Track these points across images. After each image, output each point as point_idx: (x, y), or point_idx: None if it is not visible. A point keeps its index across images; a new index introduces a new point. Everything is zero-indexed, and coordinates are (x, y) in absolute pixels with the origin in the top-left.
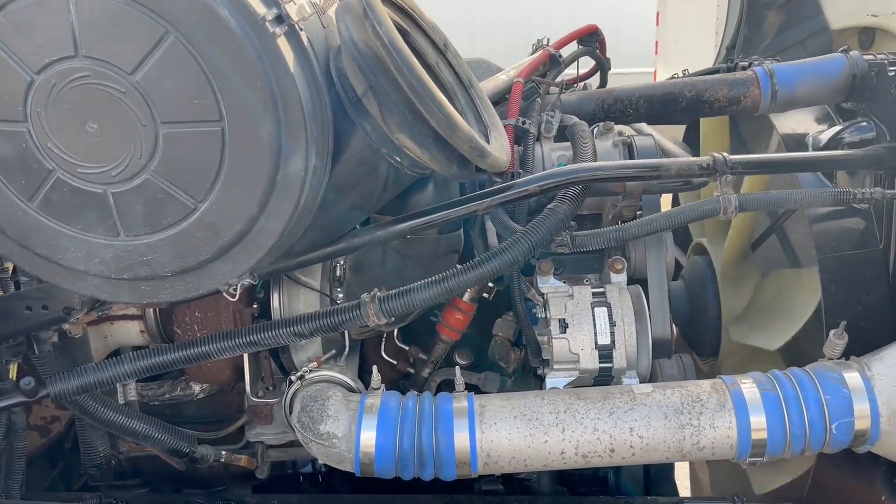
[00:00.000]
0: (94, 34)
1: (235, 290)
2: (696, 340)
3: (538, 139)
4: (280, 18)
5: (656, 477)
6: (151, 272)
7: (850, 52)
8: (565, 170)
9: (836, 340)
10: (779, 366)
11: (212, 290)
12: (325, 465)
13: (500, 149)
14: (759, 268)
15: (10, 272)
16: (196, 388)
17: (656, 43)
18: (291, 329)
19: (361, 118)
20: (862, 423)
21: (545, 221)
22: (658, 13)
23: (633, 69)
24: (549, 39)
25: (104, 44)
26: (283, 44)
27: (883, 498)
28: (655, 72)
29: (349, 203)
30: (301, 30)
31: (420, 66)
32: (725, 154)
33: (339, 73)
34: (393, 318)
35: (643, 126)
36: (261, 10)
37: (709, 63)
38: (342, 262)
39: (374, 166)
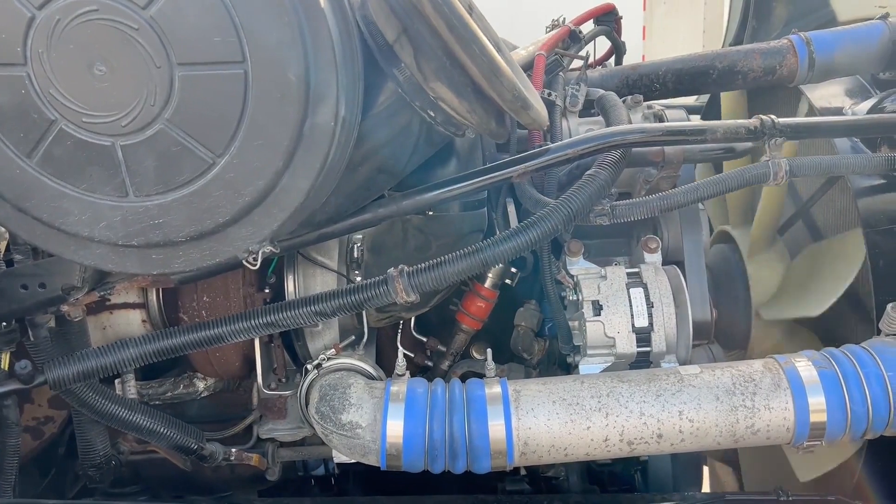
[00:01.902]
0: None
1: (256, 258)
2: (723, 331)
3: (563, 114)
4: None
5: (684, 475)
6: (164, 237)
7: (890, 19)
8: (606, 132)
9: (894, 314)
10: (816, 344)
11: (230, 258)
12: (339, 466)
13: (539, 106)
14: (788, 252)
15: (3, 252)
16: (200, 385)
17: (643, 56)
18: (313, 308)
19: (393, 67)
20: None
21: (585, 188)
22: (644, 27)
23: None
24: (564, 18)
25: None
26: None
27: None
28: None
29: (377, 165)
30: None
31: (460, 6)
32: (773, 116)
33: (367, 21)
34: (418, 297)
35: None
36: None
37: None
38: (360, 244)
39: (405, 123)
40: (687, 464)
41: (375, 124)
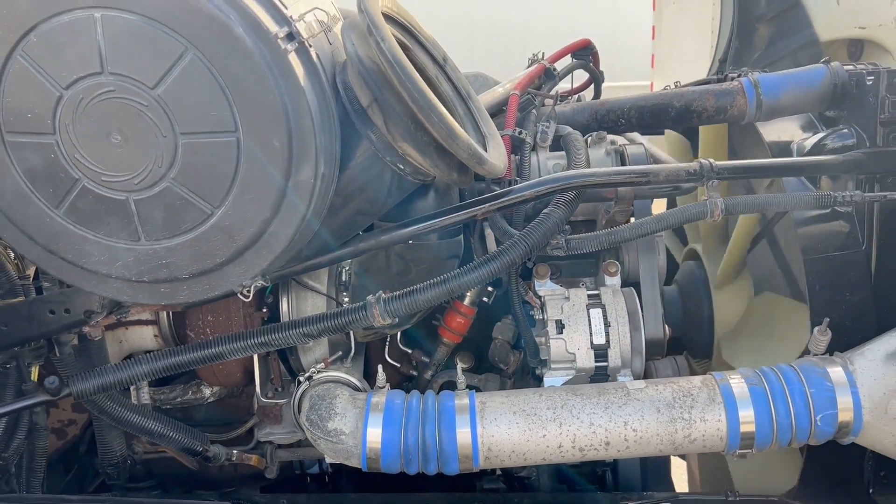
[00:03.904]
0: (119, 52)
1: (249, 291)
2: (690, 342)
3: (534, 149)
4: (291, 36)
5: (653, 476)
6: (170, 274)
7: (831, 63)
8: (559, 176)
9: (820, 337)
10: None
11: (226, 292)
12: (332, 465)
13: (497, 156)
14: (751, 276)
15: (32, 278)
16: (206, 391)
17: (652, 56)
18: (301, 330)
19: (366, 128)
20: (845, 414)
21: (541, 225)
22: (654, 27)
23: (629, 82)
24: (543, 53)
25: (128, 61)
26: (293, 59)
27: (871, 490)
28: (652, 85)
29: (355, 208)
30: (310, 46)
31: (421, 80)
32: (711, 160)
33: (345, 86)
34: (397, 319)
35: (636, 135)
36: (273, 28)
37: (703, 75)
38: (348, 268)
39: (378, 173)
40: (655, 464)
41: (353, 175)
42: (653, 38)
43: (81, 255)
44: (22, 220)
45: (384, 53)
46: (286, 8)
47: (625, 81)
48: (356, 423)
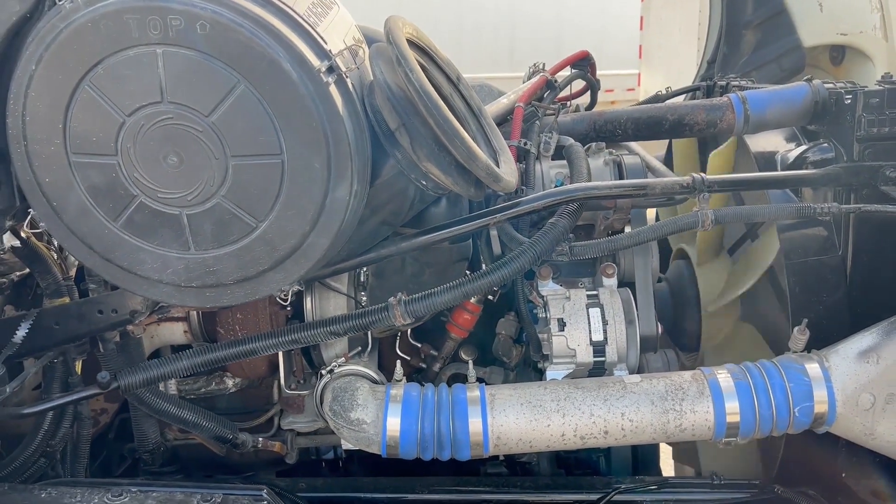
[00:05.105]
0: (177, 83)
1: (287, 295)
2: (679, 338)
3: (538, 158)
4: (331, 69)
5: (643, 463)
6: (216, 281)
7: (813, 81)
8: (565, 189)
9: (799, 336)
10: (748, 331)
11: (266, 296)
12: (345, 451)
13: (509, 172)
14: (729, 257)
15: (73, 279)
16: (229, 382)
17: (640, 47)
18: (329, 328)
19: (393, 148)
20: (820, 406)
21: (548, 234)
22: (642, 18)
23: (617, 70)
24: (544, 65)
25: (186, 91)
26: (333, 90)
27: (843, 475)
28: (640, 74)
29: (380, 219)
30: (347, 77)
31: (446, 107)
32: (703, 175)
33: (373, 109)
34: (415, 319)
35: (631, 143)
36: (316, 63)
37: (690, 68)
38: (366, 269)
39: (403, 189)
40: (646, 450)
41: (379, 190)
42: (640, 28)
43: (136, 263)
44: (82, 231)
45: (412, 83)
46: (326, 43)
47: (612, 70)
48: (377, 414)
